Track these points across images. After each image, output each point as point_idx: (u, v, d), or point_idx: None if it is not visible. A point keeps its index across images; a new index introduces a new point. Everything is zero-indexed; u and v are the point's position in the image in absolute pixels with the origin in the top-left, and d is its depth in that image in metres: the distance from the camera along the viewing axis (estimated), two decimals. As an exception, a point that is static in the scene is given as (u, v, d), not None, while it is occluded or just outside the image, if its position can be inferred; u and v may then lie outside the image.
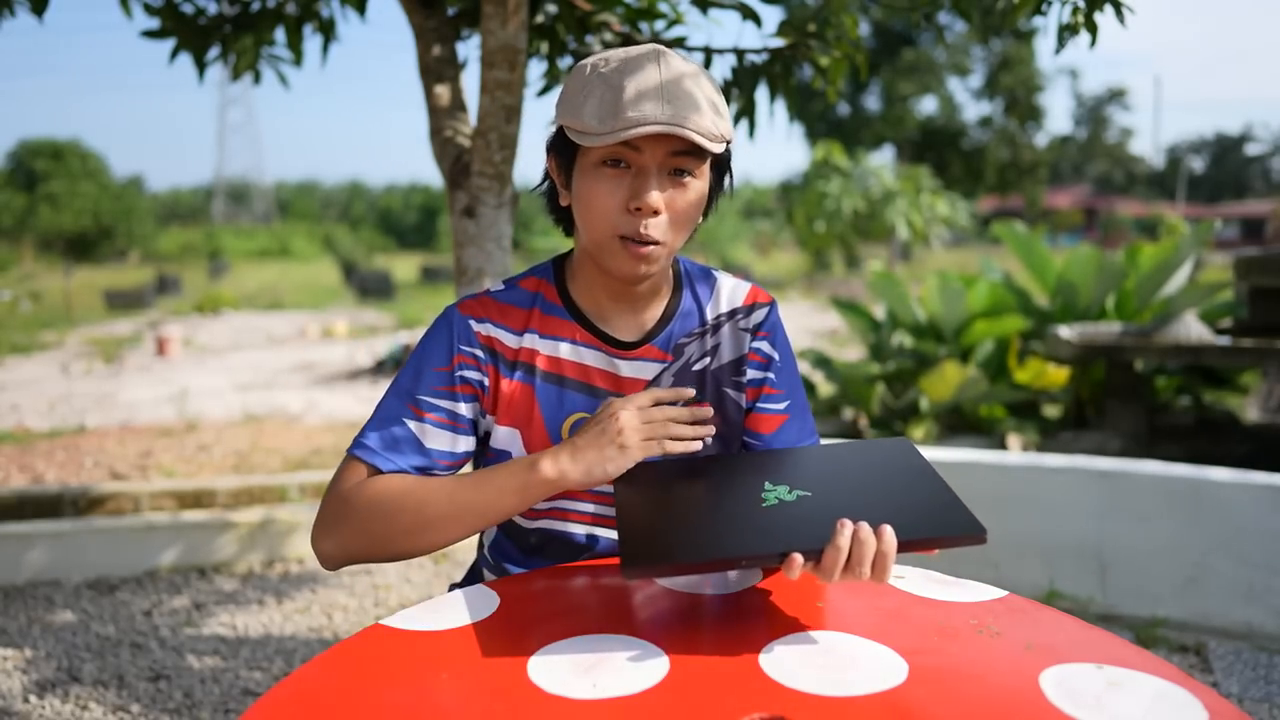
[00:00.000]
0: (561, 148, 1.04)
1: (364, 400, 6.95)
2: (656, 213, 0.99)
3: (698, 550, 0.87)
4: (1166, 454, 3.37)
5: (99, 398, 7.15)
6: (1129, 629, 2.59)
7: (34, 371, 8.74)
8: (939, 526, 0.87)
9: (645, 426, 1.00)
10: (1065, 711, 0.74)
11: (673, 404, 1.06)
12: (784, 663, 0.82)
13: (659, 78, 0.96)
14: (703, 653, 0.84)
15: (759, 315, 1.15)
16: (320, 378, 8.25)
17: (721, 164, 1.06)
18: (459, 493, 1.00)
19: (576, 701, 0.76)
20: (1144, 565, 2.65)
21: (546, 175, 1.10)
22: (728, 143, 1.02)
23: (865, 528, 0.85)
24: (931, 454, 3.03)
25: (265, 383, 7.93)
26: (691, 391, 1.05)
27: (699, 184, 1.01)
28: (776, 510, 0.91)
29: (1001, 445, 4.36)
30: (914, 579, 1.03)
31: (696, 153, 0.98)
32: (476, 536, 1.23)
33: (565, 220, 1.10)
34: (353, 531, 1.00)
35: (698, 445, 1.03)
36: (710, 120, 0.97)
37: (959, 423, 4.84)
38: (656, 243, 1.00)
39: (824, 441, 1.14)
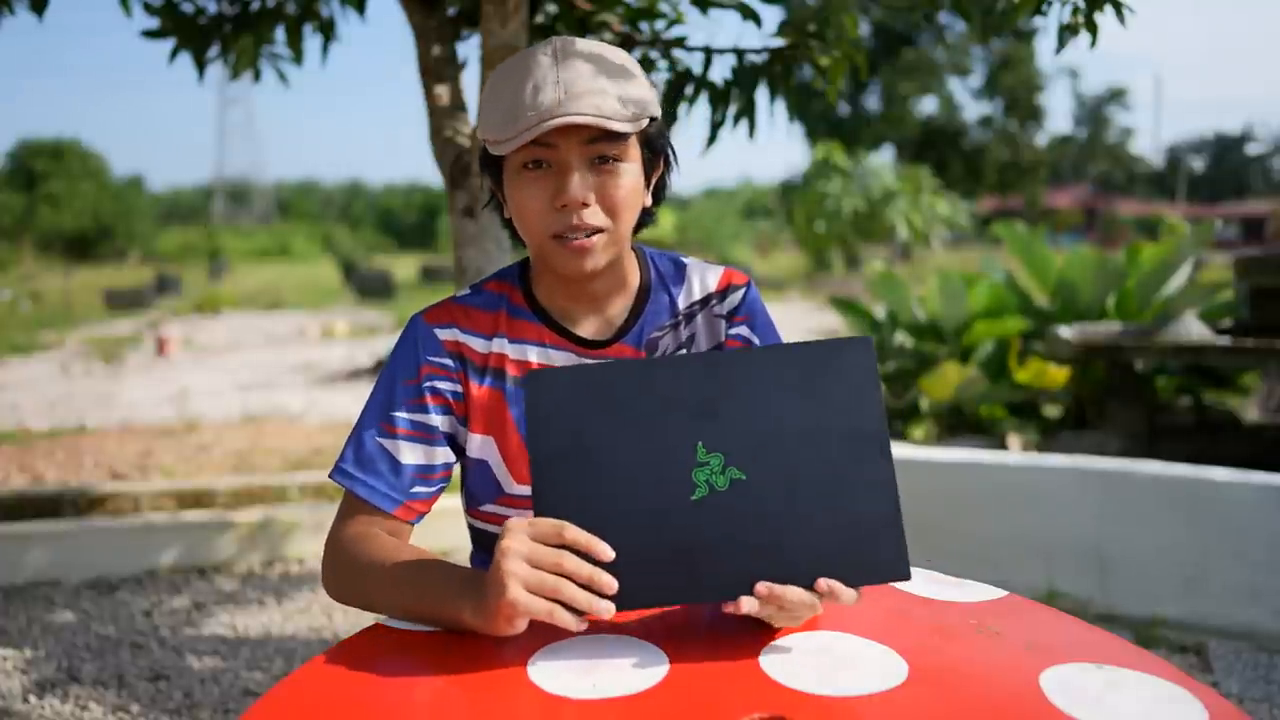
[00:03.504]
0: (489, 162, 1.03)
1: (364, 400, 6.94)
2: (585, 205, 0.96)
3: (620, 598, 0.82)
4: (1167, 454, 3.37)
5: (99, 398, 7.15)
6: (1129, 629, 2.59)
7: (34, 371, 8.74)
8: (865, 569, 0.84)
9: (531, 574, 0.79)
10: (1065, 711, 0.74)
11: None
12: (784, 663, 0.82)
13: (554, 67, 0.94)
14: (703, 653, 0.84)
15: (734, 299, 1.12)
16: (320, 378, 8.25)
17: (651, 141, 1.02)
18: (404, 586, 0.92)
19: (576, 701, 0.76)
20: (1144, 565, 2.65)
21: (492, 192, 1.09)
22: (651, 119, 0.98)
23: (791, 594, 0.81)
24: (931, 454, 3.03)
25: (265, 383, 7.93)
26: (610, 553, 0.82)
27: (629, 166, 0.98)
28: (705, 510, 0.84)
29: (1001, 445, 4.35)
30: (914, 579, 1.02)
31: (612, 136, 0.95)
32: (468, 549, 1.22)
33: (515, 231, 1.08)
34: (338, 581, 1.00)
35: (582, 625, 0.80)
36: (615, 101, 0.94)
37: (959, 423, 4.84)
38: (597, 230, 0.97)
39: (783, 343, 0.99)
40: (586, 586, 0.80)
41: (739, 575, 0.83)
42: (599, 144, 0.95)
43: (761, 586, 0.81)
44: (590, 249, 0.98)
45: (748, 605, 0.81)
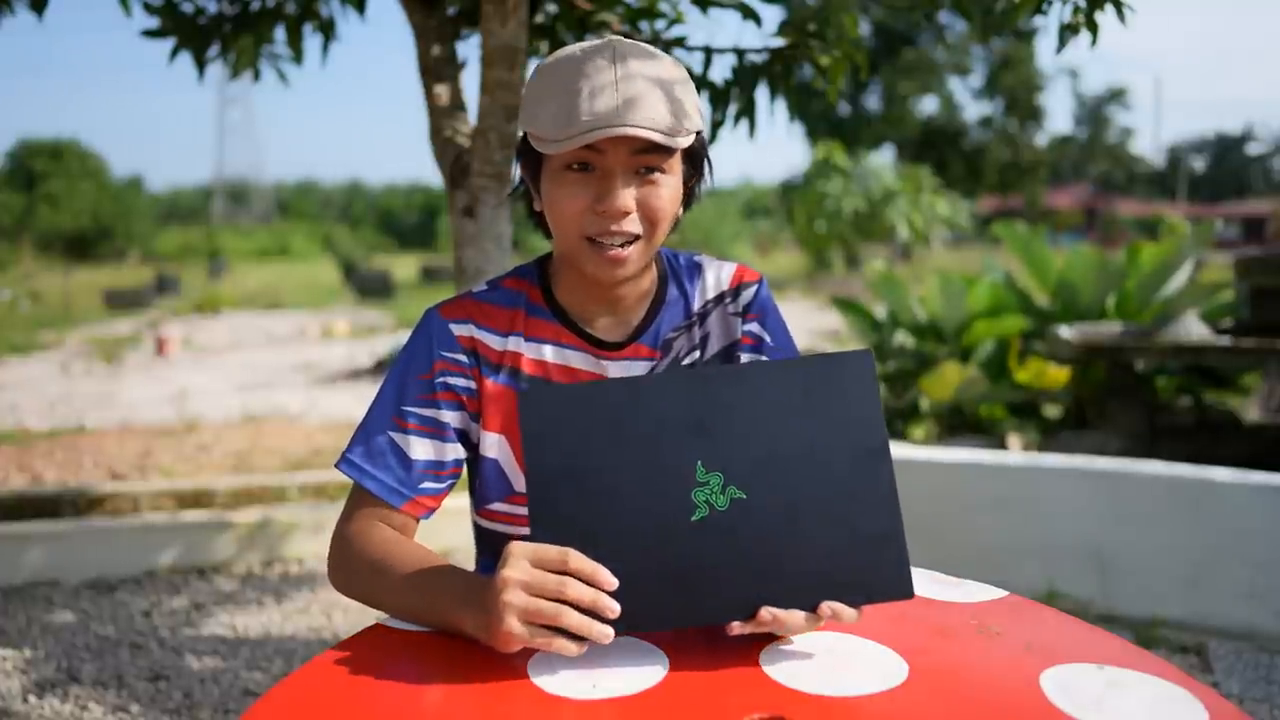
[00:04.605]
0: (528, 154, 1.02)
1: (364, 400, 6.95)
2: (626, 214, 0.96)
3: (622, 621, 0.81)
4: (1167, 454, 3.37)
5: (99, 398, 7.15)
6: (1129, 629, 2.59)
7: (34, 371, 8.74)
8: (867, 589, 0.84)
9: (530, 603, 0.78)
10: (1065, 711, 0.74)
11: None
12: (784, 663, 0.82)
13: (613, 76, 0.93)
14: (703, 653, 0.84)
15: (747, 295, 1.13)
16: (320, 378, 8.25)
17: (694, 153, 1.03)
18: (409, 589, 0.92)
19: (576, 701, 0.76)
20: (1144, 565, 2.65)
21: (521, 180, 1.08)
22: (698, 133, 0.99)
23: (793, 618, 0.82)
24: (932, 454, 3.03)
25: (265, 383, 7.93)
26: (614, 581, 0.81)
27: (670, 179, 0.99)
28: (706, 531, 0.83)
29: (1001, 445, 4.36)
30: (914, 579, 1.02)
31: (661, 149, 0.95)
32: (470, 549, 1.22)
33: (542, 225, 1.08)
34: (344, 576, 1.00)
35: (581, 649, 0.79)
36: (670, 115, 0.94)
37: (959, 423, 4.84)
38: (633, 238, 0.98)
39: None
40: (588, 611, 0.80)
41: (741, 596, 0.82)
42: (647, 155, 0.95)
43: (765, 613, 0.81)
44: (625, 259, 0.98)
45: (739, 628, 0.82)
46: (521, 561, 0.80)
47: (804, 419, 0.85)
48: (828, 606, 0.82)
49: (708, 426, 0.84)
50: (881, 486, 0.85)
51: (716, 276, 1.13)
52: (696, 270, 1.14)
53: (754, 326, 1.13)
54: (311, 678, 0.81)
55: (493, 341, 1.06)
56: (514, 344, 1.07)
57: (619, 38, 0.99)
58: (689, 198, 1.07)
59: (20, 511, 3.48)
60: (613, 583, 0.81)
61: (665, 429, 0.84)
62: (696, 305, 1.12)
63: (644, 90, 0.93)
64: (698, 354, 1.12)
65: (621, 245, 0.98)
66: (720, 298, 1.13)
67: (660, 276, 1.12)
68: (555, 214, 1.00)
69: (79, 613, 2.85)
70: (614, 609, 0.80)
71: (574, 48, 0.98)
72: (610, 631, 0.80)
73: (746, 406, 0.85)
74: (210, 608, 2.90)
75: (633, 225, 0.97)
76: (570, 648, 0.79)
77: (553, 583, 0.79)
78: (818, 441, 0.85)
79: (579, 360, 1.07)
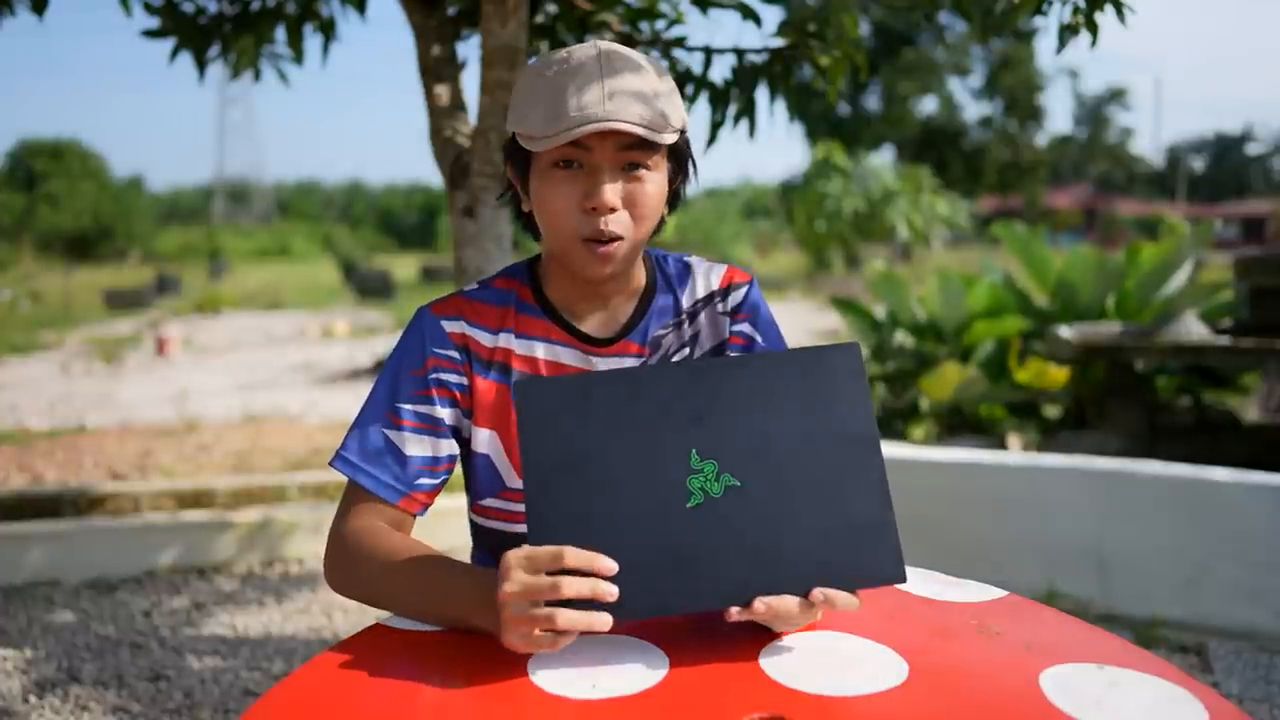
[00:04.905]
0: (516, 155, 1.04)
1: (364, 400, 6.94)
2: (613, 209, 0.98)
3: (621, 607, 0.82)
4: (1167, 454, 3.37)
5: (99, 398, 7.14)
6: (1129, 629, 2.59)
7: (34, 371, 8.74)
8: (860, 573, 0.84)
9: (525, 613, 0.79)
10: (1065, 711, 0.74)
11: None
12: (784, 663, 0.83)
13: (600, 74, 0.96)
14: (703, 652, 0.84)
15: (737, 296, 1.14)
16: (320, 378, 8.25)
17: (679, 153, 1.05)
18: (416, 587, 0.93)
19: (576, 701, 0.76)
20: (1144, 565, 2.65)
21: (508, 184, 1.10)
22: (681, 131, 1.02)
23: (786, 603, 0.82)
24: (932, 454, 3.03)
25: (265, 383, 7.93)
26: (613, 566, 0.82)
27: (656, 176, 1.01)
28: (702, 517, 0.84)
29: (1001, 445, 4.36)
30: (914, 579, 1.02)
31: (647, 145, 0.97)
32: (469, 548, 1.22)
33: (530, 226, 1.10)
34: (343, 575, 1.00)
35: (569, 639, 0.81)
36: (655, 112, 0.97)
37: (959, 423, 4.84)
38: (618, 238, 0.99)
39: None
40: (589, 600, 0.80)
41: (737, 581, 0.83)
42: (633, 152, 0.98)
43: (759, 604, 0.82)
44: (612, 255, 1.00)
45: (736, 614, 0.82)
46: (516, 573, 0.80)
47: (796, 409, 0.87)
48: (820, 592, 0.82)
49: (702, 416, 0.86)
50: (872, 474, 0.86)
51: (706, 278, 1.15)
52: (686, 271, 1.15)
53: (744, 327, 1.14)
54: (311, 678, 0.81)
55: (484, 338, 1.08)
56: (505, 341, 1.08)
57: (605, 41, 1.01)
58: (674, 198, 1.09)
59: (20, 511, 3.48)
60: (612, 568, 0.81)
61: (660, 418, 0.86)
62: (686, 305, 1.13)
63: (630, 88, 0.96)
64: (687, 351, 1.13)
65: (608, 242, 0.99)
66: (710, 298, 1.14)
67: (649, 276, 1.13)
68: (544, 212, 1.01)
69: (79, 613, 2.85)
70: (613, 593, 0.80)
71: (561, 50, 1.01)
72: (608, 618, 0.80)
73: (739, 397, 0.87)
74: (210, 608, 2.90)
75: (618, 224, 0.99)
76: (560, 641, 0.80)
77: (547, 585, 0.79)
78: (809, 431, 0.87)
79: (569, 356, 1.09)
